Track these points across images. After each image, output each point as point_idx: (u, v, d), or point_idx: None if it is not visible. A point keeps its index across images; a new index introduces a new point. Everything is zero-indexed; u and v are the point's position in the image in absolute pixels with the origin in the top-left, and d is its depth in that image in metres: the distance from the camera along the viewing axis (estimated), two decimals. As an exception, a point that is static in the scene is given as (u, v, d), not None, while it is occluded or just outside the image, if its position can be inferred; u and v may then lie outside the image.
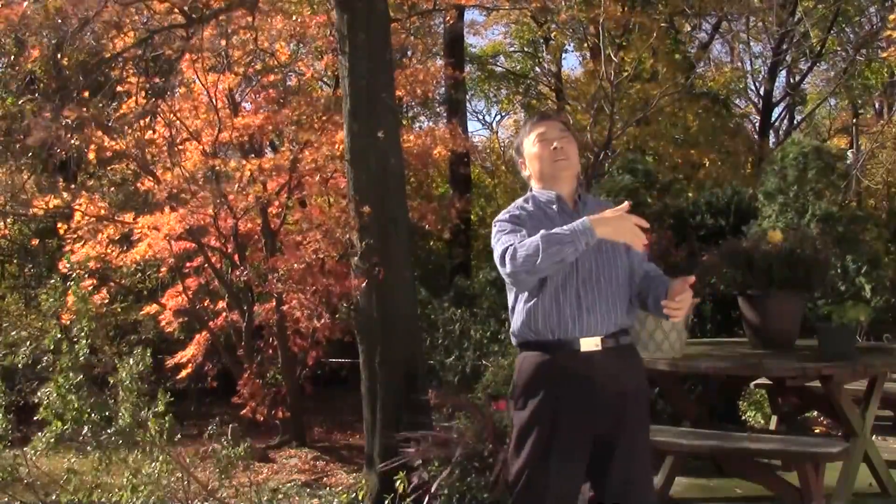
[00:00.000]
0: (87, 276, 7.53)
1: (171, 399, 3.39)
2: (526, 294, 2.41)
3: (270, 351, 7.72)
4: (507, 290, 2.53)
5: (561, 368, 2.35)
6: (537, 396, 2.37)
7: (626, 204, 2.28)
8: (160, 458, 3.25)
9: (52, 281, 3.93)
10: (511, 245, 2.30)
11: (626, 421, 2.36)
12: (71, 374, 3.22)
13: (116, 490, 3.25)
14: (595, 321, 2.35)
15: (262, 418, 7.08)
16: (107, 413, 3.29)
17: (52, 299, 3.70)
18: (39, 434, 3.28)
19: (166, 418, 3.32)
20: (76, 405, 3.20)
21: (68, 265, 3.81)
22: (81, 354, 3.27)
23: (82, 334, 3.38)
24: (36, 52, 5.44)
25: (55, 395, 3.21)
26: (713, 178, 10.64)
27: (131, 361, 3.36)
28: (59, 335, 3.43)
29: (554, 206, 2.46)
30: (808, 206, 6.08)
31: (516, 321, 2.46)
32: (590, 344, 2.35)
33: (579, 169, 2.54)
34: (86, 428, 3.21)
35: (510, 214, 2.46)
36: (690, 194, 8.96)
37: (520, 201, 2.53)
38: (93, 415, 3.24)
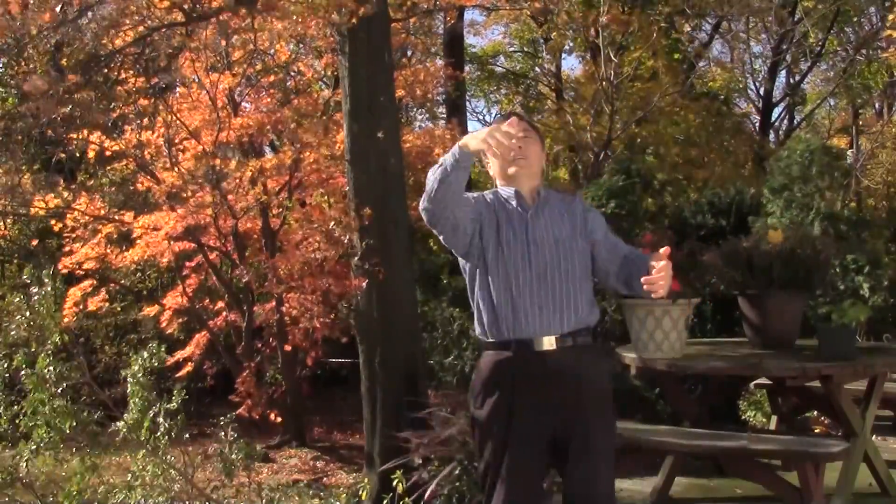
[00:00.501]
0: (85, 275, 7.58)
1: (186, 397, 3.38)
2: (480, 292, 2.43)
3: (268, 350, 7.72)
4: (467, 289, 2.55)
5: (517, 367, 2.36)
6: (494, 395, 2.38)
7: (513, 119, 2.25)
8: (167, 457, 3.24)
9: (17, 300, 3.79)
10: None
11: (583, 419, 2.35)
12: (49, 390, 3.19)
13: (119, 490, 3.25)
14: (549, 319, 2.35)
15: (257, 416, 7.08)
16: (96, 417, 3.27)
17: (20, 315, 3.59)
18: (26, 443, 3.26)
19: (178, 417, 3.31)
20: (65, 408, 3.18)
21: (36, 277, 3.65)
22: (48, 371, 3.22)
23: (48, 352, 3.31)
24: (47, 16, 5.22)
25: (31, 411, 3.18)
26: (714, 177, 10.62)
27: (145, 355, 3.33)
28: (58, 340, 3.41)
29: (513, 202, 2.47)
30: (813, 203, 6.08)
31: (475, 319, 2.48)
32: (544, 343, 2.35)
33: (540, 167, 2.53)
34: (64, 428, 3.18)
35: (479, 194, 2.51)
36: (692, 195, 8.96)
37: (490, 192, 2.56)
38: (87, 416, 3.23)
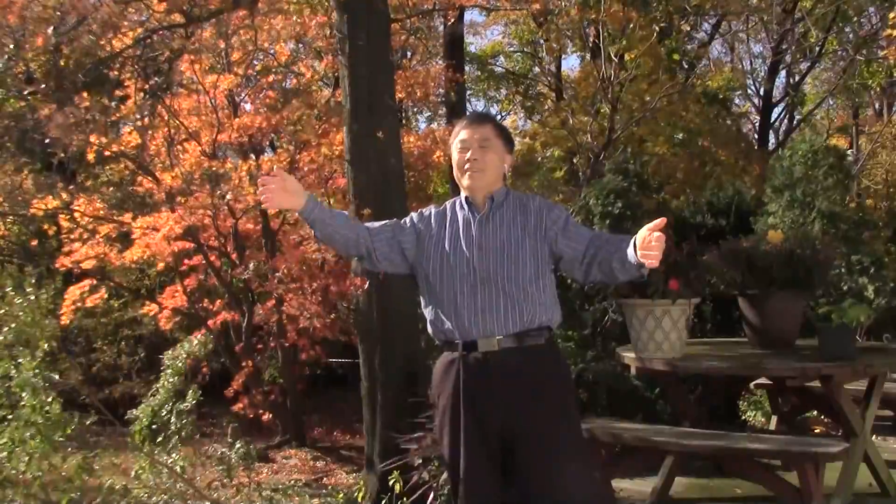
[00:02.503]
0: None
1: (201, 397, 3.38)
2: (428, 297, 2.49)
3: (265, 351, 7.72)
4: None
5: (464, 367, 2.40)
6: (445, 394, 2.43)
7: (277, 169, 2.35)
8: (171, 456, 3.24)
9: (4, 311, 3.72)
10: None
11: (535, 420, 2.35)
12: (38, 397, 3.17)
13: (117, 491, 3.24)
14: (492, 321, 2.38)
15: (251, 415, 7.08)
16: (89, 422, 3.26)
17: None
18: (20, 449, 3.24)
19: (189, 417, 3.31)
20: (59, 416, 3.17)
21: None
22: (37, 380, 3.20)
23: (39, 359, 3.27)
24: (39, 40, 5.29)
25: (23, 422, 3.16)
26: (713, 177, 10.61)
27: (196, 341, 3.34)
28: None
29: (465, 208, 2.52)
30: (815, 203, 6.06)
31: (427, 322, 2.52)
32: (486, 345, 2.38)
33: (497, 174, 2.52)
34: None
35: (419, 211, 2.61)
36: (689, 195, 8.95)
37: (448, 202, 2.61)
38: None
